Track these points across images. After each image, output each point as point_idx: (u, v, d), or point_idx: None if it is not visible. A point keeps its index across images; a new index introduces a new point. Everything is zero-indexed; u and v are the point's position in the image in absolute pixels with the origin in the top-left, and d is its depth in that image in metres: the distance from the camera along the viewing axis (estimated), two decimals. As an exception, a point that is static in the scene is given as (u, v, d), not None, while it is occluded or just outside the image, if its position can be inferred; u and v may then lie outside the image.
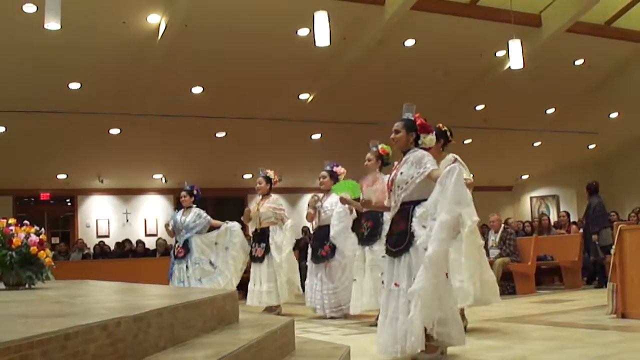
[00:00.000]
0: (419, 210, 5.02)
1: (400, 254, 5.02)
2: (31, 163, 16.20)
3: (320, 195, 9.14)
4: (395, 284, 5.01)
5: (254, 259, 9.46)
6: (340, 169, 8.99)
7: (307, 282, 9.01)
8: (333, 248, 8.65)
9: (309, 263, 9.03)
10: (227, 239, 9.82)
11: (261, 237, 9.45)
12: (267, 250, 9.30)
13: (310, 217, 9.14)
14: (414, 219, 5.01)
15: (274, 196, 9.65)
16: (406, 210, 5.10)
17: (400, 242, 5.04)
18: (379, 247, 7.66)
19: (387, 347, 4.98)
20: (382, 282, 5.28)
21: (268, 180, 9.63)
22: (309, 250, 9.10)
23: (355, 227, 8.58)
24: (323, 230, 8.86)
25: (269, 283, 9.22)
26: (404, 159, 5.27)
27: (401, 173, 5.17)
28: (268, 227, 9.43)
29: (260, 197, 9.67)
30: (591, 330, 6.64)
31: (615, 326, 6.89)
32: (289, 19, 12.43)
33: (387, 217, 7.51)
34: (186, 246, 9.94)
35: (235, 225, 9.90)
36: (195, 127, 15.76)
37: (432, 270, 4.68)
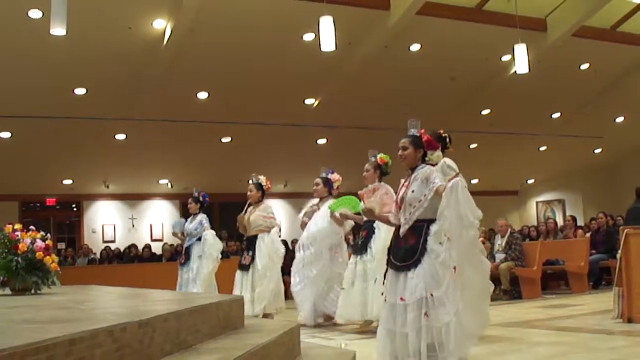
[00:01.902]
0: (434, 228, 4.95)
1: (408, 268, 4.95)
2: (37, 168, 16.24)
3: (315, 202, 9.01)
4: (402, 299, 4.92)
5: (241, 266, 9.23)
6: (335, 176, 8.91)
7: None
8: None
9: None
10: (201, 249, 9.83)
11: (250, 245, 9.24)
12: (254, 258, 9.08)
13: (303, 226, 9.05)
14: (429, 237, 4.94)
15: (265, 204, 9.47)
16: (420, 228, 5.01)
17: (409, 257, 4.96)
18: (368, 257, 7.68)
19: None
20: (383, 294, 5.24)
21: (259, 187, 9.44)
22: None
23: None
24: None
25: (252, 292, 8.97)
26: (412, 176, 5.17)
27: (412, 191, 5.07)
28: (257, 235, 9.20)
29: (252, 204, 9.46)
30: (597, 335, 6.63)
31: (620, 331, 6.86)
32: (295, 24, 12.44)
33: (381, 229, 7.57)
34: (188, 253, 9.97)
35: (207, 234, 9.80)
36: (200, 133, 15.78)
37: (474, 292, 4.68)
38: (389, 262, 5.17)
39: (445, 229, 4.82)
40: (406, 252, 5.00)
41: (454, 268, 4.78)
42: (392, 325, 4.97)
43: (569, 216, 16.20)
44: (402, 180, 5.34)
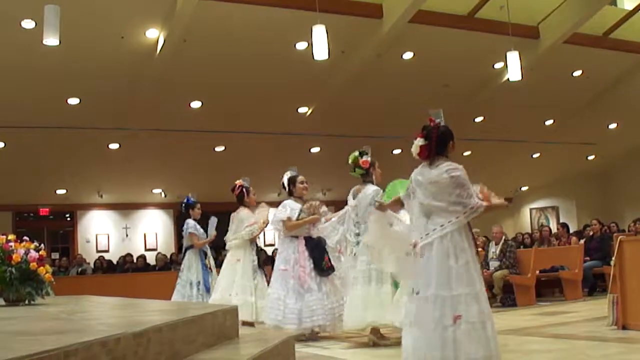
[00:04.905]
0: None
1: None
2: (31, 178, 16.21)
3: (316, 203, 8.46)
4: None
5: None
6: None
7: (309, 298, 7.74)
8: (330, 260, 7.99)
9: (310, 277, 7.85)
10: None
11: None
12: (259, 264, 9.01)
13: (314, 222, 8.18)
14: None
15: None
16: None
17: None
18: None
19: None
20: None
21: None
22: (308, 263, 7.93)
23: None
24: (322, 240, 8.09)
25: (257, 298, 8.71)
26: None
27: None
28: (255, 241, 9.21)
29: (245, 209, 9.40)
30: (592, 342, 6.63)
31: (615, 338, 6.86)
32: (288, 33, 12.44)
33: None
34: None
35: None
36: (194, 142, 15.77)
37: None
38: None
39: None
40: None
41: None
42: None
43: (559, 225, 16.24)
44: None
